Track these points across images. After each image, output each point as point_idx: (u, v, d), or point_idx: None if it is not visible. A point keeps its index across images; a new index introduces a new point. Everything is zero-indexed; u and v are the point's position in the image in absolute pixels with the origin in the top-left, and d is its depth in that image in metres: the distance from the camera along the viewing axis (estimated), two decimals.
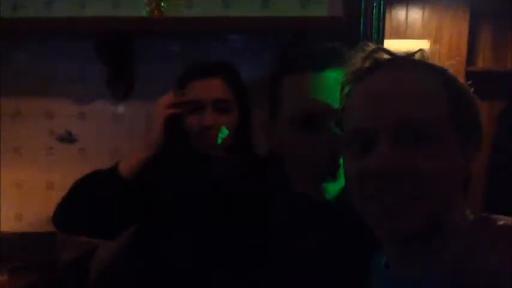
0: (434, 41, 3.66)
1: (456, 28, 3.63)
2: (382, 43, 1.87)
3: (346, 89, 0.78)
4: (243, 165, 1.35)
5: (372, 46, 0.77)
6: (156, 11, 1.84)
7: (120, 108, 2.09)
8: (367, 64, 0.75)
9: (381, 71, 0.73)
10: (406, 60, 0.75)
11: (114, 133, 2.10)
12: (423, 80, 0.71)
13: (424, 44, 3.66)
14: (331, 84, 0.95)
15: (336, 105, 0.90)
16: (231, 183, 1.30)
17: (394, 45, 3.68)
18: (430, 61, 0.75)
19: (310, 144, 1.01)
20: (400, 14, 3.69)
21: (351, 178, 0.74)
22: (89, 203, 1.27)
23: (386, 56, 0.76)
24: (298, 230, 1.10)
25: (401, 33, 3.69)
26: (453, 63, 0.78)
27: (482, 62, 3.72)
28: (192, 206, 1.31)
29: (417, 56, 0.76)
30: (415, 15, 3.70)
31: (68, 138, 2.13)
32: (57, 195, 2.14)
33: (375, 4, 1.77)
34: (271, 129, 1.11)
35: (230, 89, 1.31)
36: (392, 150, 0.67)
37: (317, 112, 0.99)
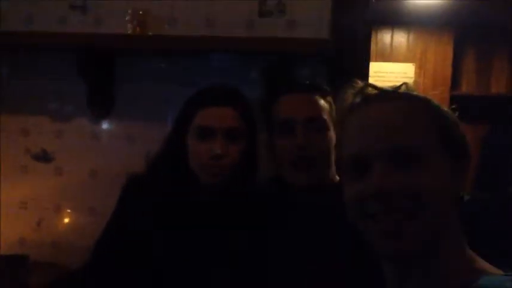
0: (419, 64, 3.68)
1: (440, 52, 3.66)
2: (368, 64, 1.86)
3: (341, 122, 0.87)
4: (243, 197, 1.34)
5: (360, 83, 0.87)
6: (138, 29, 1.80)
7: (99, 127, 2.03)
8: (357, 99, 0.84)
9: (370, 104, 0.82)
10: (392, 93, 0.84)
11: (92, 152, 2.04)
12: (408, 110, 0.79)
13: (408, 68, 3.69)
14: (305, 100, 1.34)
15: (310, 113, 1.31)
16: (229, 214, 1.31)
17: (379, 67, 3.68)
18: (414, 92, 0.84)
19: (284, 142, 1.31)
20: (385, 37, 3.71)
21: (350, 200, 0.81)
22: None
23: (374, 91, 0.85)
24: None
25: (386, 56, 3.70)
26: (436, 93, 0.89)
27: (466, 86, 3.74)
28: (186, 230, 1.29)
29: (402, 89, 0.84)
30: (401, 38, 3.72)
31: (44, 157, 2.07)
32: (30, 215, 2.09)
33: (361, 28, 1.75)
34: (268, 141, 1.39)
35: (241, 117, 1.29)
36: (385, 174, 0.74)
37: (289, 118, 1.31)
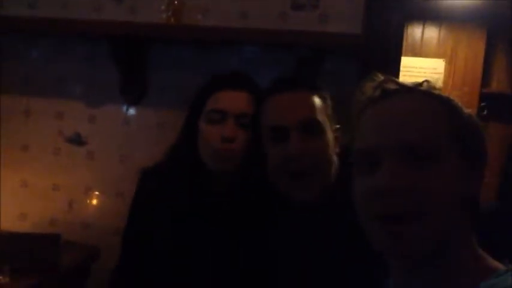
0: (450, 60, 3.62)
1: (472, 49, 3.60)
2: (399, 60, 1.85)
3: (357, 115, 0.85)
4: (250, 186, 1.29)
5: (381, 77, 0.85)
6: (172, 19, 1.83)
7: (131, 114, 2.07)
8: (376, 93, 0.82)
9: (389, 99, 0.80)
10: (413, 90, 0.82)
11: (123, 138, 2.09)
12: (426, 107, 0.78)
13: (438, 63, 3.64)
14: (297, 100, 1.18)
15: (303, 115, 1.15)
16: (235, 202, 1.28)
17: (409, 62, 3.64)
18: (436, 90, 0.82)
19: (276, 151, 1.17)
20: (416, 32, 3.66)
21: (358, 197, 0.79)
22: None
23: (394, 86, 0.82)
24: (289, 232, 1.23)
25: (416, 51, 3.65)
26: (466, 91, 0.86)
27: (497, 84, 3.68)
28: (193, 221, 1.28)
29: (424, 86, 0.82)
30: (432, 33, 3.67)
31: (77, 140, 2.12)
32: (62, 197, 2.16)
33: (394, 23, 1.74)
34: (259, 143, 1.24)
35: (253, 103, 1.25)
36: (395, 169, 0.73)
37: (280, 123, 1.16)
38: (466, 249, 0.75)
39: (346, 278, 1.11)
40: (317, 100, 1.19)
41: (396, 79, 0.84)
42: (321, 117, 1.18)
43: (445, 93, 0.82)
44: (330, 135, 1.19)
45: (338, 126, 1.24)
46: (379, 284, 0.90)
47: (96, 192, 2.15)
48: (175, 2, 1.83)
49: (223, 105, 1.23)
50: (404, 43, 3.67)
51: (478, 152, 0.78)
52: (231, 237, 1.27)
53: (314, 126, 1.16)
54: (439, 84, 3.40)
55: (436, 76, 3.56)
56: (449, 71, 3.59)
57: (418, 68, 3.59)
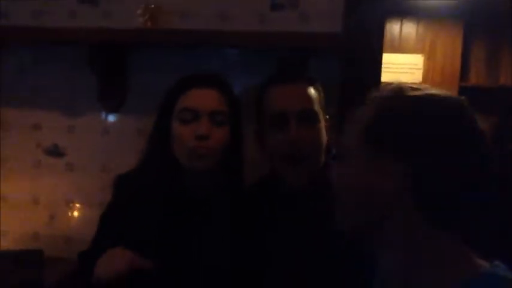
0: (429, 56, 3.66)
1: (450, 43, 3.64)
2: (381, 58, 1.84)
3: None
4: (227, 183, 1.32)
5: None
6: (149, 22, 1.79)
7: (111, 121, 2.02)
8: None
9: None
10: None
11: (104, 147, 2.04)
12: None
13: (417, 59, 3.67)
14: (297, 92, 1.31)
15: (302, 105, 1.29)
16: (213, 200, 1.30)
17: (389, 59, 3.65)
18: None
19: (276, 137, 1.29)
20: (394, 28, 3.68)
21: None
22: None
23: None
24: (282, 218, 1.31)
25: (395, 47, 3.68)
26: (445, 85, 0.89)
27: (475, 77, 3.72)
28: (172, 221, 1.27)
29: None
30: (409, 29, 3.70)
31: (56, 152, 2.07)
32: (43, 211, 2.10)
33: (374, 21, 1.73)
34: (259, 132, 1.37)
35: (225, 101, 1.28)
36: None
37: (282, 111, 1.29)
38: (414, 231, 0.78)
39: (338, 264, 1.16)
40: (314, 92, 1.33)
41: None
42: (317, 107, 1.32)
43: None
44: (323, 125, 1.32)
45: (328, 116, 1.37)
46: (369, 272, 0.92)
47: (78, 204, 2.10)
48: (152, 6, 1.79)
49: (194, 104, 1.25)
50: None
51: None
52: (214, 235, 1.27)
53: (311, 115, 1.30)
54: (419, 79, 3.42)
55: (416, 71, 3.59)
56: (429, 66, 3.62)
57: (397, 64, 3.61)
